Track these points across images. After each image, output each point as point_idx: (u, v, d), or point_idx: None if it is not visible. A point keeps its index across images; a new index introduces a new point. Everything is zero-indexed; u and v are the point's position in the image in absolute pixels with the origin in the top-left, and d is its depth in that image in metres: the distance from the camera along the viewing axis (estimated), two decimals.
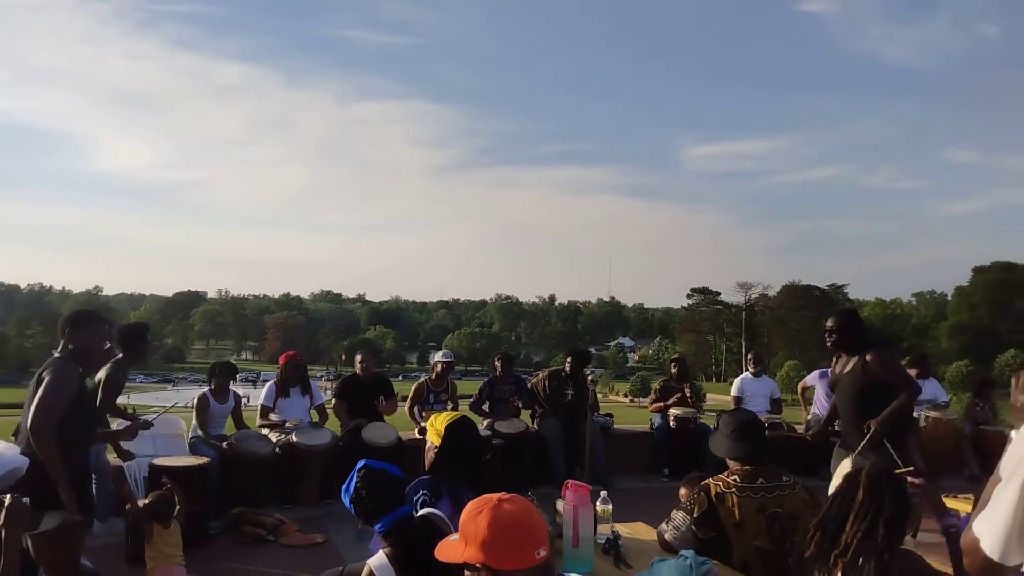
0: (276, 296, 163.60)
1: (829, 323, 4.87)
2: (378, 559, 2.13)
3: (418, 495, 2.59)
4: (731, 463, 3.04)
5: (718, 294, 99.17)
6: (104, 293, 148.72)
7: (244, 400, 6.93)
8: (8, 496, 2.39)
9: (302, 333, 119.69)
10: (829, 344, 4.89)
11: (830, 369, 8.22)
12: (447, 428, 2.82)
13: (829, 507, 2.31)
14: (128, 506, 3.98)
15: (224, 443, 6.06)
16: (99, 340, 3.52)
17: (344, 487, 2.23)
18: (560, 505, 2.81)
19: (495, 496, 1.70)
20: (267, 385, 6.74)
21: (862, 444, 4.39)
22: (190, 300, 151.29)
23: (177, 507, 3.83)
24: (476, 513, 1.65)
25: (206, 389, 6.31)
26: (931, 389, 7.98)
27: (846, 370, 4.75)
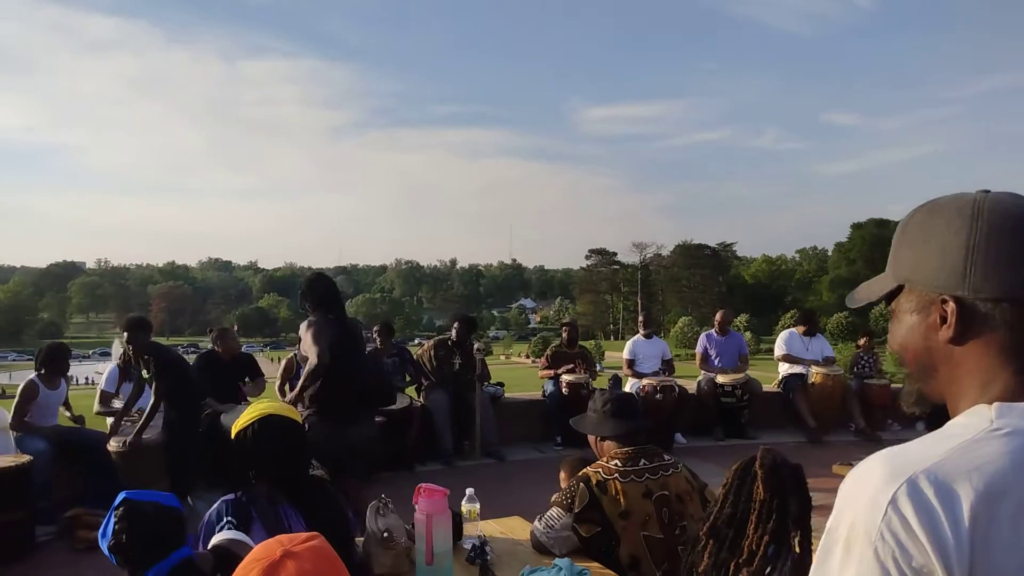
0: (160, 265, 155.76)
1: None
2: None
3: (221, 523, 1.98)
4: (606, 445, 2.67)
5: (615, 254, 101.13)
6: None
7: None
8: None
9: (189, 303, 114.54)
10: None
11: (713, 331, 8.22)
12: (255, 424, 2.11)
13: (720, 507, 1.92)
14: None
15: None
16: None
17: (100, 530, 1.67)
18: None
19: (279, 547, 1.22)
20: (109, 368, 5.96)
21: None
22: (66, 271, 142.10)
23: None
24: (243, 575, 1.18)
25: (34, 375, 5.49)
26: (819, 346, 8.02)
27: None
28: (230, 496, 2.04)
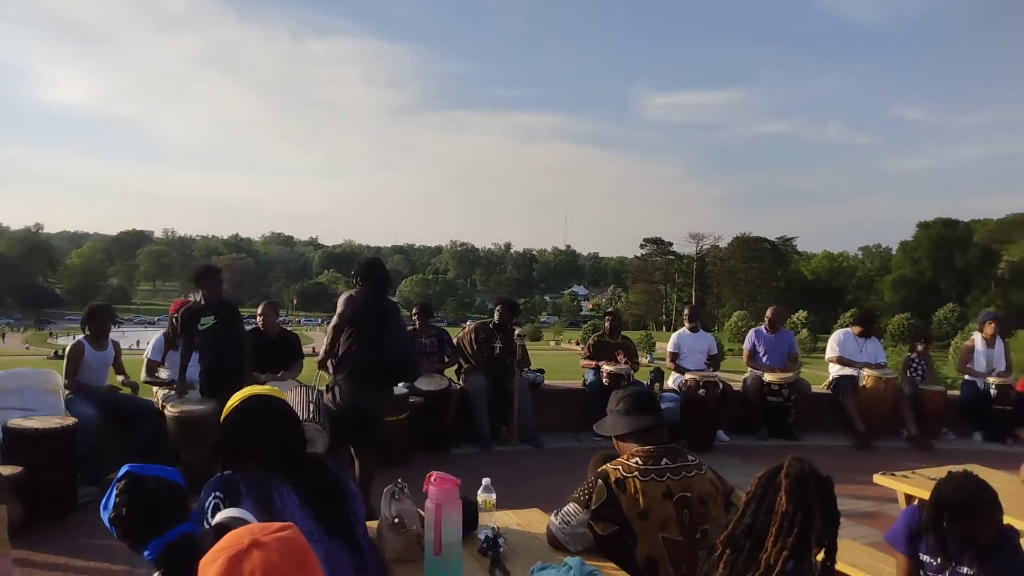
0: (225, 237, 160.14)
1: None
2: None
3: (209, 500, 1.93)
4: (625, 445, 2.57)
5: (670, 244, 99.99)
6: (45, 231, 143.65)
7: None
8: None
9: (251, 276, 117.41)
10: None
11: (762, 327, 7.99)
12: (243, 403, 2.14)
13: (740, 517, 1.82)
14: None
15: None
16: None
17: (102, 503, 1.67)
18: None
19: (248, 536, 1.19)
20: (155, 337, 6.07)
21: None
22: (135, 240, 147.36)
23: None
24: (209, 562, 1.15)
25: (80, 336, 5.63)
26: (872, 349, 7.73)
27: None
28: (223, 474, 2.02)
